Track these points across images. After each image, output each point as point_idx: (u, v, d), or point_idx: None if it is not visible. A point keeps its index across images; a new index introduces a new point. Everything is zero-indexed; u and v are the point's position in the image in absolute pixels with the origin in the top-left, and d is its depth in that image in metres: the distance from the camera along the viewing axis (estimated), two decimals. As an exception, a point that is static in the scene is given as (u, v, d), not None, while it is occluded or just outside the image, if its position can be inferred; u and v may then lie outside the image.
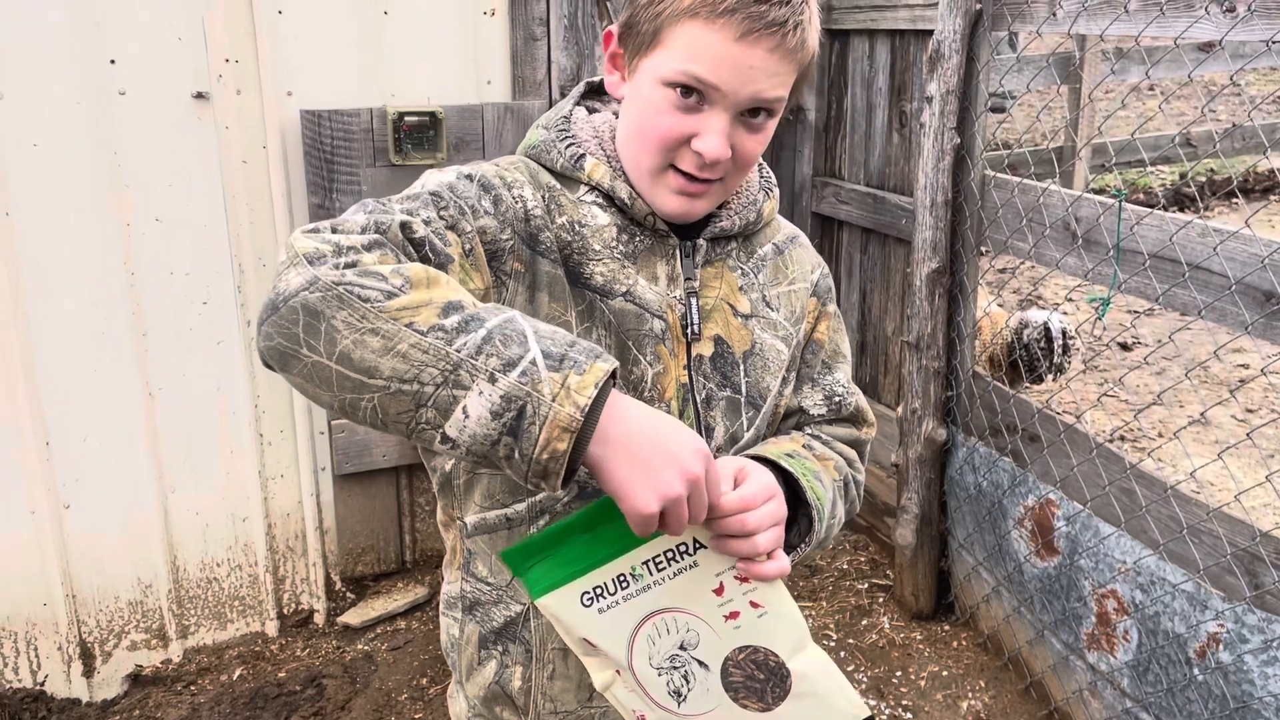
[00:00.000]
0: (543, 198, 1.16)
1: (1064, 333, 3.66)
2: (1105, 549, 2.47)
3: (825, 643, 3.13)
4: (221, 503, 3.14)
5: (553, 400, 0.87)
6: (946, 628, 3.18)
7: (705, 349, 1.22)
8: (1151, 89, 9.68)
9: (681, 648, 1.09)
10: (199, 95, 2.84)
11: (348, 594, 3.40)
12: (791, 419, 1.34)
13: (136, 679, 3.10)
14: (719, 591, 1.08)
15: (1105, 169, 7.05)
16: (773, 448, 1.23)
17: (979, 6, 2.75)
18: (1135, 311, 5.24)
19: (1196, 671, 2.22)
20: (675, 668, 1.09)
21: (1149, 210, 2.25)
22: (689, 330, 1.20)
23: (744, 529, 1.01)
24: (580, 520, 1.04)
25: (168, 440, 3.02)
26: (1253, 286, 2.04)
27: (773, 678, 1.09)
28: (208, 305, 2.98)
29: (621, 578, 1.06)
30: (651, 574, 1.07)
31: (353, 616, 3.32)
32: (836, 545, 3.65)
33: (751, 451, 1.21)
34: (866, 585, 3.42)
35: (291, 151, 2.98)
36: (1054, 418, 2.64)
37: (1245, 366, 4.85)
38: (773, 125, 1.14)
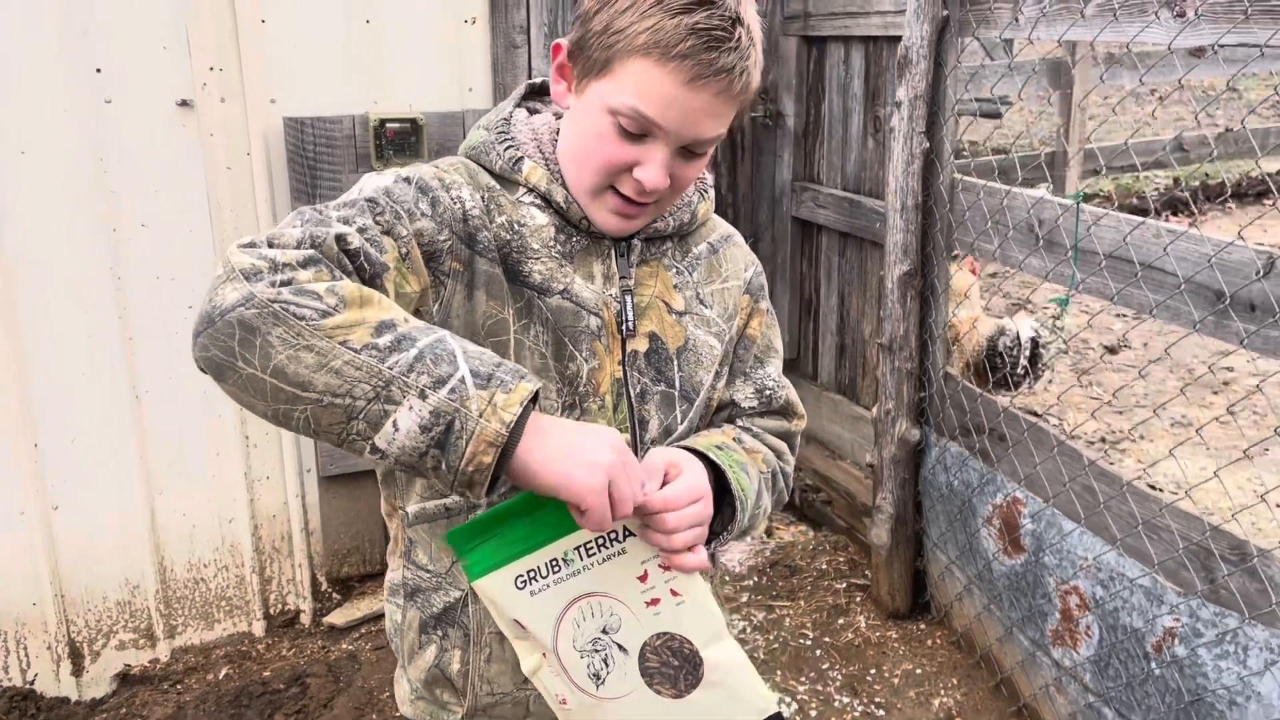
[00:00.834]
0: (482, 198, 1.20)
1: (1033, 341, 3.66)
2: (1068, 546, 2.50)
3: (802, 641, 3.17)
4: (208, 504, 3.20)
5: (480, 416, 0.93)
6: (922, 626, 3.21)
7: (640, 345, 1.26)
8: (1153, 93, 9.71)
9: (604, 631, 1.13)
10: (184, 103, 2.91)
11: (333, 594, 3.45)
12: (724, 411, 1.38)
13: (125, 678, 3.15)
14: (643, 579, 1.13)
15: (1096, 174, 7.08)
16: (704, 439, 1.28)
17: (945, 13, 2.80)
18: (1122, 315, 5.27)
19: (1154, 665, 2.25)
20: (596, 651, 1.13)
21: (1104, 212, 2.30)
22: (624, 327, 1.25)
23: (665, 528, 1.08)
24: (520, 504, 1.09)
25: (155, 442, 3.07)
26: (1204, 285, 2.08)
27: (686, 664, 1.14)
28: (194, 309, 3.03)
29: (554, 562, 1.11)
30: (582, 559, 1.11)
31: (338, 617, 3.37)
32: (816, 546, 3.69)
33: (684, 443, 1.26)
34: (845, 585, 3.46)
35: (275, 158, 3.04)
36: (1019, 417, 2.68)
37: (1230, 369, 4.88)
38: (710, 152, 1.20)
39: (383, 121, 3.07)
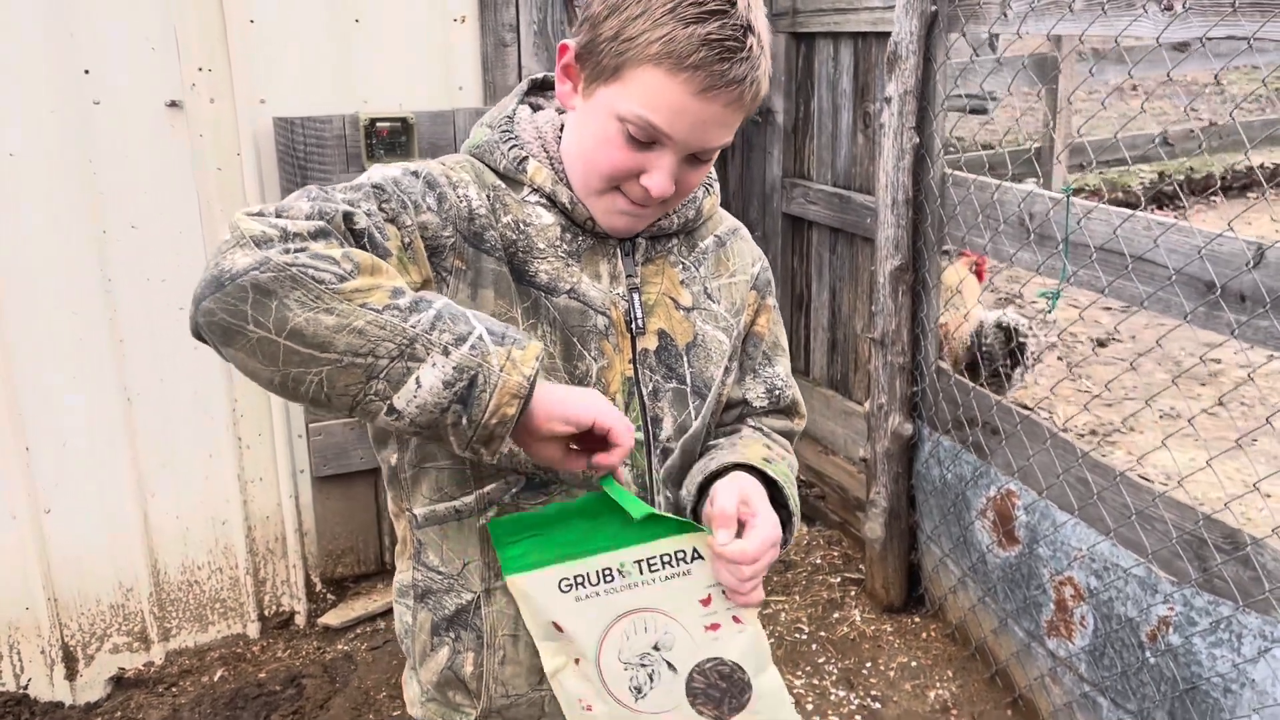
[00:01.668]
0: (488, 197, 1.19)
1: (1008, 330, 3.65)
2: (1062, 537, 2.52)
3: (797, 636, 3.18)
4: (201, 506, 3.19)
5: (500, 370, 0.97)
6: (916, 619, 3.22)
7: (650, 343, 1.26)
8: (1135, 88, 9.76)
9: (655, 648, 1.14)
10: (173, 104, 2.90)
11: (328, 595, 3.45)
12: (734, 410, 1.39)
13: (119, 681, 3.14)
14: (705, 602, 1.14)
15: (1084, 168, 7.12)
16: (753, 452, 1.29)
17: (934, 8, 2.81)
18: (1110, 308, 5.30)
19: (1149, 654, 2.27)
20: (644, 665, 1.14)
21: (1095, 205, 2.31)
22: (633, 325, 1.25)
23: (742, 576, 1.12)
24: (584, 506, 1.10)
25: (147, 445, 3.06)
26: (1194, 277, 2.10)
27: (733, 689, 1.15)
28: (184, 311, 3.00)
29: (607, 571, 1.12)
30: (642, 573, 1.12)
31: (333, 617, 3.36)
32: (810, 541, 3.70)
33: (737, 458, 1.26)
34: (839, 579, 3.47)
35: (265, 159, 3.04)
36: (1012, 410, 2.69)
37: (1218, 361, 4.91)
38: (715, 157, 1.21)
39: (373, 121, 3.06)
